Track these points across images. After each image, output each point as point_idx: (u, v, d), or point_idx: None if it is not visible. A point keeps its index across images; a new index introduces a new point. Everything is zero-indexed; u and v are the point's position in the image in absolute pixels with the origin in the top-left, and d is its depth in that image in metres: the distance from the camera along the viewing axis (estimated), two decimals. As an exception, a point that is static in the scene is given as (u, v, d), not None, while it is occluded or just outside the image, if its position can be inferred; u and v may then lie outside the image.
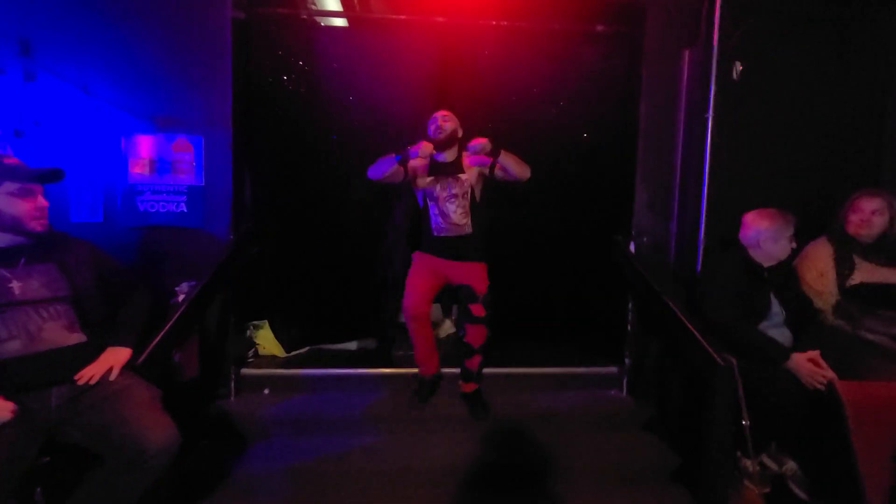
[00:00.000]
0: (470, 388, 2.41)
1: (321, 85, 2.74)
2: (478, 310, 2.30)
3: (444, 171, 2.34)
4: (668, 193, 2.59)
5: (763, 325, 2.08)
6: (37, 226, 1.46)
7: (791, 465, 2.01)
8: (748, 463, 1.96)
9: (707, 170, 2.46)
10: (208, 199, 2.36)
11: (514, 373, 2.66)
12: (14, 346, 1.36)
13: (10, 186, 1.40)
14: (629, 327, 2.61)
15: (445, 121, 2.32)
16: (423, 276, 2.34)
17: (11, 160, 1.45)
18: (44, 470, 1.43)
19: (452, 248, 2.35)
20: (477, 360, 2.38)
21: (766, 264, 2.15)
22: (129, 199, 2.33)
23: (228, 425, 2.25)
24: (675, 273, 2.55)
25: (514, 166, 2.23)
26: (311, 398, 2.45)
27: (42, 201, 1.47)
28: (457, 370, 2.47)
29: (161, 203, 2.34)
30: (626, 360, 2.61)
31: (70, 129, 2.27)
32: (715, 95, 2.44)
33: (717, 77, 2.43)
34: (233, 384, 2.44)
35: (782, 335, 2.08)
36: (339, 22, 3.04)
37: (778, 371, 1.96)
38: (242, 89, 2.43)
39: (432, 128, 2.31)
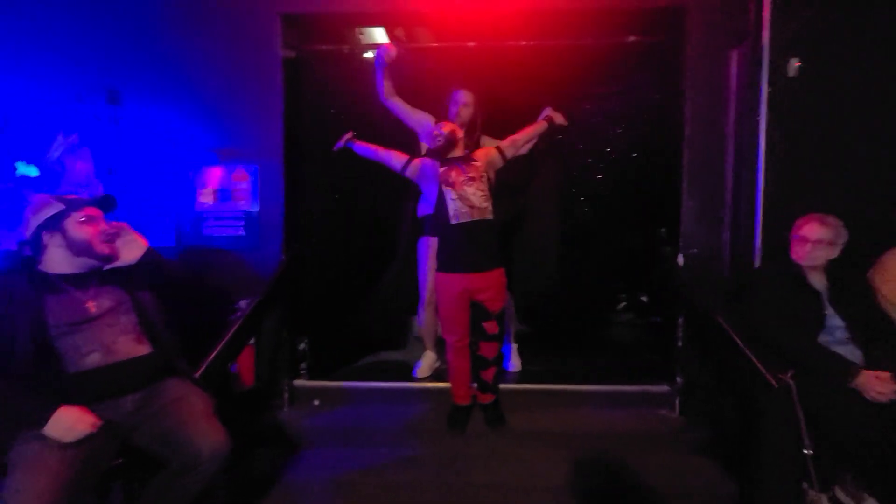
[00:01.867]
0: (487, 398, 2.40)
1: (364, 114, 2.89)
2: (492, 328, 2.28)
3: (457, 160, 2.28)
4: (720, 202, 2.45)
5: (822, 342, 1.90)
6: (104, 248, 1.66)
7: (870, 503, 1.80)
8: (816, 497, 1.78)
9: (762, 175, 2.31)
10: (263, 223, 2.57)
11: (558, 389, 2.61)
12: (94, 359, 1.56)
13: (77, 216, 1.62)
14: (679, 343, 2.47)
15: (442, 128, 2.26)
16: (455, 305, 2.28)
17: (71, 196, 1.68)
18: (119, 471, 1.61)
19: (474, 249, 2.22)
20: (492, 371, 2.37)
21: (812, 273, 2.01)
22: (196, 225, 2.60)
23: (281, 434, 2.40)
24: (729, 286, 2.39)
25: (533, 134, 2.36)
26: (357, 410, 2.55)
27: (104, 225, 1.68)
28: (502, 386, 2.47)
29: (223, 228, 2.59)
30: (678, 378, 2.47)
31: (148, 165, 2.58)
32: (768, 96, 2.30)
33: (769, 76, 2.29)
34: (286, 395, 2.60)
35: (849, 354, 1.88)
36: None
37: (852, 393, 1.77)
38: (293, 121, 2.64)
39: (431, 139, 2.27)
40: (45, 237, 1.59)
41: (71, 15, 2.57)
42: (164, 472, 1.57)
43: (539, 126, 2.38)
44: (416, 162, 2.35)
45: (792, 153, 2.30)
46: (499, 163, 2.32)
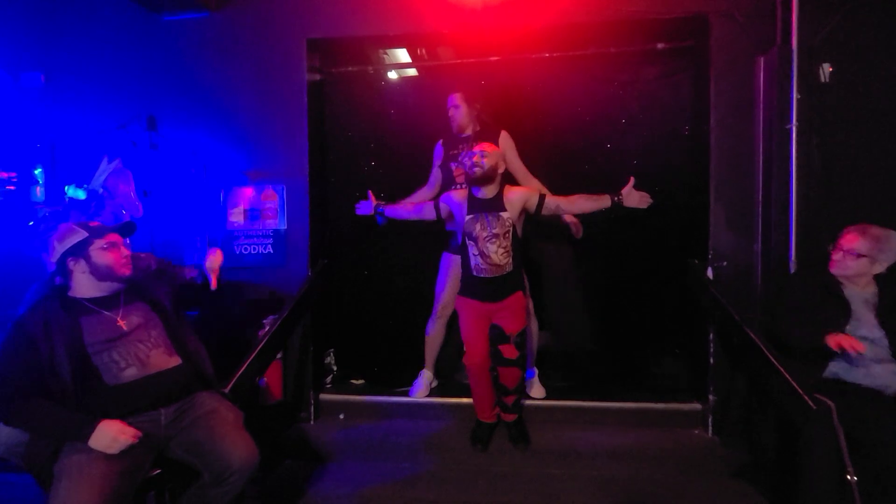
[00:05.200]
0: (510, 418, 2.37)
1: (389, 131, 2.97)
2: (509, 351, 2.18)
3: (484, 207, 2.18)
4: (750, 212, 2.37)
5: (861, 360, 1.79)
6: (125, 271, 1.75)
7: (922, 533, 1.67)
8: (862, 525, 1.66)
9: (794, 183, 2.22)
10: (290, 240, 2.65)
11: (585, 406, 2.56)
12: (131, 373, 1.64)
13: (99, 243, 1.71)
14: (711, 360, 2.38)
15: (484, 157, 2.15)
16: (475, 328, 2.25)
17: (94, 223, 1.78)
18: (155, 481, 1.67)
19: (492, 289, 2.21)
20: (513, 399, 2.31)
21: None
22: (227, 244, 2.70)
23: (307, 447, 2.44)
24: (762, 300, 2.30)
25: (586, 207, 2.19)
26: (381, 424, 2.57)
27: (125, 251, 1.78)
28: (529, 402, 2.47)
29: (252, 246, 2.68)
30: (711, 397, 2.38)
31: (182, 188, 2.72)
32: (798, 102, 2.22)
33: (798, 82, 2.21)
34: (312, 408, 2.64)
35: (889, 373, 1.77)
36: (405, 73, 3.28)
37: (895, 417, 1.67)
38: (318, 142, 2.73)
39: (468, 162, 2.18)
40: (71, 263, 1.69)
41: (113, 46, 2.75)
42: (196, 484, 1.64)
43: (602, 202, 2.16)
44: (444, 206, 2.31)
45: (827, 161, 2.21)
46: (532, 210, 2.20)
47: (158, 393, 1.66)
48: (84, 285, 1.71)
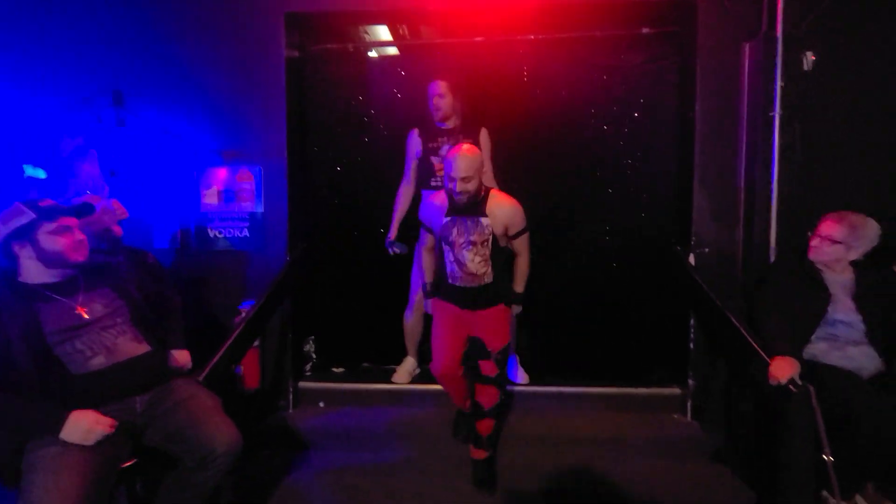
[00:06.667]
0: (479, 455, 2.11)
1: (370, 112, 2.88)
2: (489, 368, 2.04)
3: (465, 211, 1.94)
4: (733, 199, 2.39)
5: (837, 343, 1.84)
6: (78, 257, 1.60)
7: (893, 510, 1.73)
8: (835, 504, 1.71)
9: (776, 171, 2.25)
10: (267, 224, 2.55)
11: (565, 392, 2.56)
12: (99, 361, 1.54)
13: (49, 227, 1.55)
14: (692, 345, 2.41)
15: (467, 181, 1.85)
16: (447, 333, 2.07)
17: (46, 202, 1.61)
18: (132, 470, 1.59)
19: (469, 298, 2.04)
20: (488, 424, 2.10)
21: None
22: (201, 227, 2.59)
23: (286, 436, 2.38)
24: (743, 286, 2.33)
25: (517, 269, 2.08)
26: (362, 412, 2.52)
27: (79, 235, 1.62)
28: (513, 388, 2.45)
29: (228, 229, 2.57)
30: (690, 382, 2.41)
31: (153, 167, 2.58)
32: (782, 90, 2.23)
33: (783, 70, 2.22)
34: (291, 396, 2.57)
35: (864, 355, 1.82)
36: (386, 51, 3.18)
37: (870, 398, 1.71)
38: (297, 121, 2.62)
39: (451, 186, 1.88)
40: (16, 248, 1.55)
41: (75, 19, 2.56)
42: (179, 470, 1.58)
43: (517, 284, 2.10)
44: (426, 218, 2.09)
45: (809, 150, 2.24)
46: (509, 235, 1.99)
47: (130, 381, 1.58)
48: (32, 271, 1.57)
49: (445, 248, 2.01)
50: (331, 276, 2.89)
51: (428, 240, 2.14)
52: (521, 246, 2.04)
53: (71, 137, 2.63)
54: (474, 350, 2.07)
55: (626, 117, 2.71)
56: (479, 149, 2.21)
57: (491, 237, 1.94)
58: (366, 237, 2.91)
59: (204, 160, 2.57)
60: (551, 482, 2.08)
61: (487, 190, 1.98)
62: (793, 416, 1.67)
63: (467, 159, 1.84)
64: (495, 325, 2.04)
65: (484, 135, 2.50)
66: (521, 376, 2.63)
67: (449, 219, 1.97)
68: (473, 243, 1.94)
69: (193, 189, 2.59)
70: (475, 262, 1.96)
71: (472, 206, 1.92)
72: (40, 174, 2.68)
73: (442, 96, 2.43)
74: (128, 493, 1.69)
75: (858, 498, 1.77)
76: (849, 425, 1.68)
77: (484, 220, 1.93)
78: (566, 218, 2.79)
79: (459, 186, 1.85)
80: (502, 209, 1.94)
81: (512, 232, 1.97)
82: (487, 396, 2.07)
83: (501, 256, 2.02)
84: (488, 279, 1.99)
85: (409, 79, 2.84)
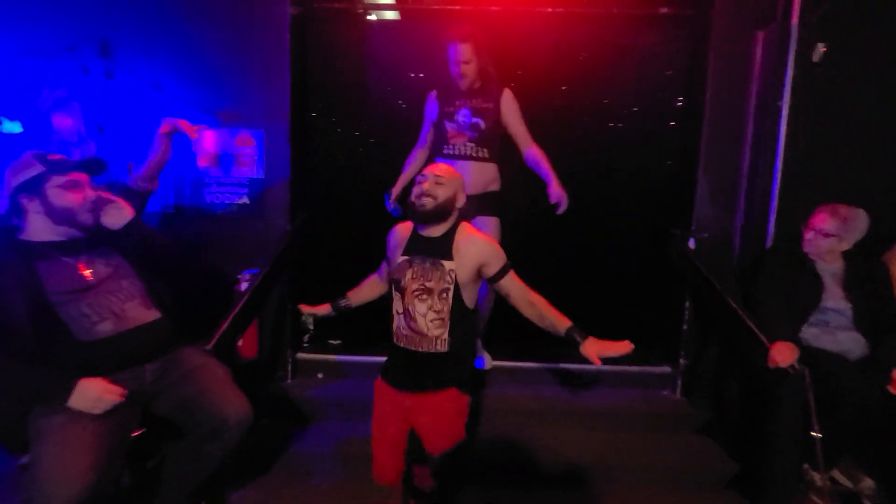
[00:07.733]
0: None
1: (377, 77, 2.78)
2: (423, 479, 1.62)
3: (426, 249, 1.54)
4: (735, 186, 2.44)
5: (828, 328, 1.94)
6: (88, 218, 1.51)
7: (868, 483, 1.88)
8: (816, 477, 1.84)
9: (780, 161, 2.30)
10: (268, 190, 2.46)
11: (559, 368, 2.62)
12: (107, 327, 1.47)
13: (58, 180, 1.47)
14: (685, 326, 2.50)
15: (438, 183, 1.52)
16: (383, 427, 1.62)
17: (55, 156, 1.52)
18: (142, 439, 1.56)
19: (412, 370, 1.56)
20: None
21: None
22: (196, 191, 2.48)
23: (285, 406, 2.37)
24: (738, 271, 2.41)
25: (539, 319, 1.59)
26: (361, 383, 2.51)
27: (90, 192, 1.53)
28: (508, 363, 2.50)
29: (226, 195, 2.48)
30: (681, 360, 2.51)
31: (145, 125, 2.42)
32: (793, 80, 2.26)
33: (795, 60, 2.24)
34: (290, 368, 2.55)
35: (852, 340, 1.93)
36: (395, 14, 3.04)
37: (856, 379, 1.82)
38: (300, 84, 2.50)
39: (415, 191, 1.54)
40: (24, 201, 1.47)
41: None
42: (188, 440, 1.55)
43: (558, 327, 1.60)
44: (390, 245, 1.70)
45: (813, 141, 2.29)
46: (488, 276, 1.54)
47: (140, 349, 1.53)
48: (39, 228, 1.49)
49: (395, 294, 1.57)
50: (331, 245, 2.84)
51: (383, 270, 1.77)
52: (513, 287, 1.55)
53: (51, 89, 2.44)
54: (412, 452, 1.63)
55: (636, 97, 2.70)
56: (502, 111, 2.17)
57: (453, 288, 1.49)
58: (367, 206, 2.84)
59: (200, 121, 2.42)
60: (543, 452, 2.14)
61: (458, 222, 1.58)
62: (785, 396, 1.77)
63: (448, 171, 1.58)
64: (439, 419, 1.54)
65: (507, 96, 2.24)
66: (486, 361, 2.52)
67: (405, 258, 1.55)
68: (429, 291, 1.49)
69: (188, 151, 2.46)
70: (427, 319, 1.50)
71: (434, 245, 1.53)
72: (17, 128, 2.49)
73: (468, 62, 2.16)
74: (130, 468, 1.67)
75: (836, 471, 1.91)
76: (834, 404, 1.79)
77: (447, 265, 1.49)
78: (568, 195, 2.79)
79: (427, 186, 1.51)
80: (474, 244, 1.53)
81: (489, 273, 1.53)
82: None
83: (465, 321, 1.54)
84: (442, 347, 1.51)
85: (422, 43, 2.72)
